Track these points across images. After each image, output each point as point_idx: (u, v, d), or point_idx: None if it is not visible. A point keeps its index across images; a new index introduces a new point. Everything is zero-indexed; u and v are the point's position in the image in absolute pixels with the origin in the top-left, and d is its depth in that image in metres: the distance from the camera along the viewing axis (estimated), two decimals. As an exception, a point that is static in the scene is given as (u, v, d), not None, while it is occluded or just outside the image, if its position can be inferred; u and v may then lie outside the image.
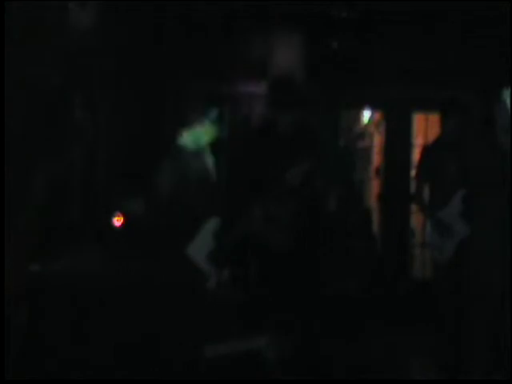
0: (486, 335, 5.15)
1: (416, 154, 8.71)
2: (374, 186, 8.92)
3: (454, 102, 6.24)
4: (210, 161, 5.07)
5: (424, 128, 8.63)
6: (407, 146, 8.52)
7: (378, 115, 8.83)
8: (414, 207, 8.07)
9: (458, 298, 5.54)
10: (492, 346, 5.14)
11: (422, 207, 6.36)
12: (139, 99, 7.25)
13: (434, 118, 8.57)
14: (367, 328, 6.94)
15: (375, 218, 8.50)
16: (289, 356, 4.99)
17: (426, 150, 6.40)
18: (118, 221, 5.46)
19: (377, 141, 8.98)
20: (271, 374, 4.84)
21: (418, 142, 8.65)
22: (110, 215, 5.47)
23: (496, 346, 5.16)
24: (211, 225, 4.77)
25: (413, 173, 8.59)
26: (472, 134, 5.80)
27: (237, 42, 7.78)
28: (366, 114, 9.04)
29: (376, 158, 9.02)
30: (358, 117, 9.11)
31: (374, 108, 8.79)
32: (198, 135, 4.97)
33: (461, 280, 5.30)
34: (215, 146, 5.28)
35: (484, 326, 5.15)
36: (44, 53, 5.89)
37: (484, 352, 5.15)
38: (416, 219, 8.49)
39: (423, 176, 6.23)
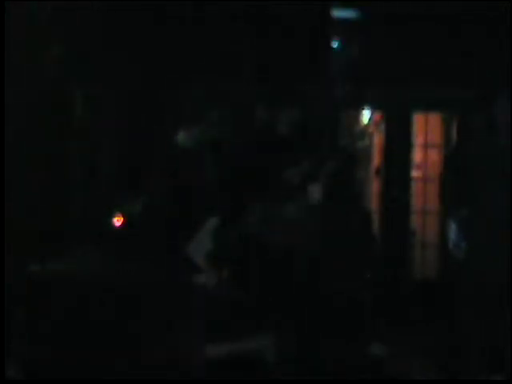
0: (489, 334, 5.18)
1: (416, 154, 8.77)
2: (375, 186, 8.92)
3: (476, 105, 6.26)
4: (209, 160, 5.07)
5: (424, 128, 8.64)
6: (407, 145, 8.52)
7: (377, 115, 8.83)
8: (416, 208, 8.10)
9: (470, 298, 5.58)
10: (495, 345, 5.17)
11: (446, 207, 6.35)
12: (139, 99, 7.25)
13: (434, 118, 8.62)
14: (367, 328, 6.93)
15: (375, 218, 8.49)
16: (289, 356, 4.99)
17: (451, 151, 6.40)
18: (118, 221, 5.46)
19: (377, 141, 8.98)
20: (271, 374, 4.84)
21: (418, 141, 8.66)
22: (110, 215, 5.46)
23: (498, 346, 5.19)
24: (211, 225, 4.77)
25: (413, 173, 8.63)
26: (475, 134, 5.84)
27: (236, 41, 7.78)
28: (366, 114, 9.04)
29: (376, 158, 9.02)
30: (357, 117, 9.11)
31: (374, 108, 8.79)
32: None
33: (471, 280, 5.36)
34: (215, 145, 5.28)
35: (484, 326, 5.18)
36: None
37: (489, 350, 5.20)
38: (416, 219, 8.51)
39: (447, 176, 6.24)
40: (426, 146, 8.70)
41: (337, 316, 6.65)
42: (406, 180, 8.40)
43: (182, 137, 4.92)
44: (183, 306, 4.57)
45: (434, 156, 8.60)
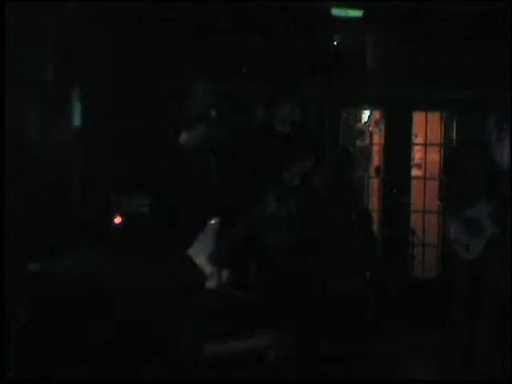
0: (498, 334, 5.24)
1: (416, 153, 8.78)
2: (374, 185, 8.93)
3: (478, 102, 6.27)
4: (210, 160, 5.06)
5: (424, 127, 8.65)
6: (407, 144, 8.52)
7: (377, 114, 8.84)
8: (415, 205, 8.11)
9: (476, 297, 5.61)
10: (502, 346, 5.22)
11: (448, 205, 6.34)
12: (139, 98, 7.25)
13: (434, 117, 8.62)
14: (367, 328, 6.95)
15: (375, 216, 8.50)
16: (289, 356, 4.99)
17: (452, 149, 6.41)
18: (117, 221, 5.46)
19: (377, 139, 8.98)
20: (271, 374, 4.84)
21: (418, 140, 8.68)
22: (111, 215, 5.47)
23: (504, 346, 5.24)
24: (211, 225, 4.76)
25: (413, 171, 8.64)
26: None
27: (236, 40, 7.79)
28: (366, 113, 9.04)
29: (376, 157, 9.02)
30: (358, 116, 9.11)
31: (373, 107, 8.79)
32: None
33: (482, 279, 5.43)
34: (215, 145, 5.27)
35: (495, 325, 5.23)
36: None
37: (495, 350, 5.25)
38: (416, 219, 8.52)
39: (449, 174, 6.24)
40: (425, 145, 8.72)
41: (336, 316, 6.66)
42: (406, 179, 8.40)
43: (183, 137, 4.91)
44: (184, 306, 4.57)
45: (434, 155, 8.61)
